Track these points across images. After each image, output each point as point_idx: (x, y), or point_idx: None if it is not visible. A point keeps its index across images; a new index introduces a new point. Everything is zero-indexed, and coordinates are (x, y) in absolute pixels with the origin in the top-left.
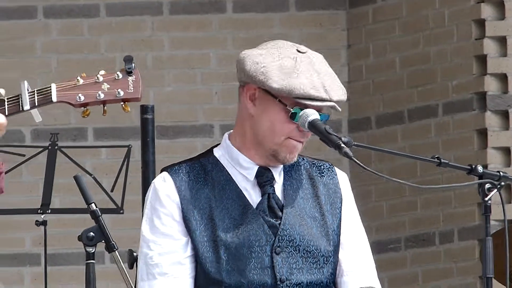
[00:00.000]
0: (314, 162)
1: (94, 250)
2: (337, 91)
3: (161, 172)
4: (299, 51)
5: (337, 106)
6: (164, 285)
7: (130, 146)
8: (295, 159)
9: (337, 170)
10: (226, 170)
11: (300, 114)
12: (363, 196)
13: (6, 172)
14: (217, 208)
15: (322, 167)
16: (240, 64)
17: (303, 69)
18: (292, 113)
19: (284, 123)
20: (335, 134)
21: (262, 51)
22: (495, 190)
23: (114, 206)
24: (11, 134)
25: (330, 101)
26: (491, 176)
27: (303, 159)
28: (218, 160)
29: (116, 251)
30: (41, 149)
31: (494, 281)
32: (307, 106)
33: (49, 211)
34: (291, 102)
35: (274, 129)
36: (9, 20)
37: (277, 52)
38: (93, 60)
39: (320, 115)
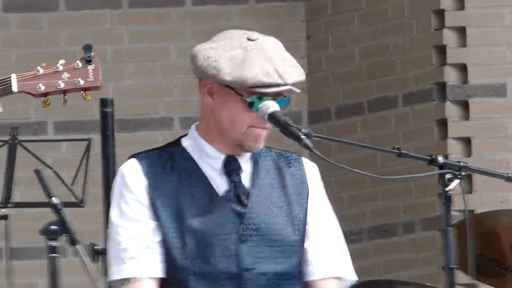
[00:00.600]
0: (282, 153)
1: (56, 243)
2: (292, 74)
3: (129, 159)
4: (249, 39)
5: (294, 89)
6: (133, 269)
7: (90, 140)
8: (261, 146)
9: (305, 160)
10: (193, 159)
11: (260, 106)
12: (324, 187)
13: None
14: (184, 195)
15: (289, 158)
16: (192, 60)
17: (254, 58)
18: (249, 102)
19: (243, 113)
20: (295, 126)
21: (214, 44)
22: (456, 180)
23: (75, 200)
24: None
25: (286, 85)
26: (452, 167)
27: (271, 151)
28: (185, 149)
29: (78, 245)
30: (1, 143)
31: (456, 271)
32: (263, 94)
33: (10, 205)
34: (247, 92)
35: (235, 120)
36: None
37: (228, 43)
38: (53, 54)
39: (280, 100)
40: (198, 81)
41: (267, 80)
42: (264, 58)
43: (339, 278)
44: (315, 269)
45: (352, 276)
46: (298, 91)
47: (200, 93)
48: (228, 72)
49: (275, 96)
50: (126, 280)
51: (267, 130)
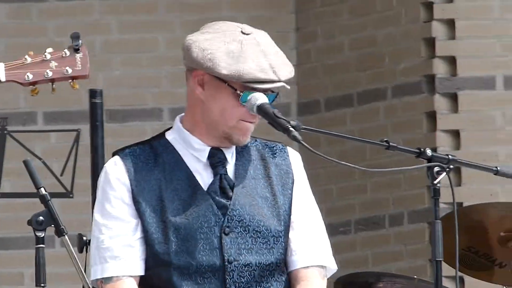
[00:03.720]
0: (267, 144)
1: (43, 234)
2: (285, 70)
3: (112, 156)
4: (243, 33)
5: (286, 86)
6: (115, 268)
7: (79, 130)
8: (248, 140)
9: (289, 150)
10: (177, 152)
11: (248, 98)
12: (312, 179)
13: None
14: (167, 189)
15: (274, 148)
16: (186, 50)
17: (250, 52)
18: (242, 96)
19: (234, 107)
20: (284, 118)
21: (208, 35)
22: (444, 173)
23: (63, 190)
24: None
25: (279, 81)
26: (440, 159)
27: (256, 141)
28: (169, 143)
29: (65, 235)
30: None
31: (443, 263)
32: (257, 90)
33: None
34: (240, 86)
35: (225, 113)
36: None
37: (223, 36)
38: (41, 44)
39: (270, 95)
40: (187, 71)
41: (262, 76)
42: (260, 53)
43: (321, 267)
44: (298, 258)
45: (333, 266)
46: (289, 87)
47: (188, 83)
48: (224, 66)
49: (264, 91)
50: (109, 279)
51: (254, 124)
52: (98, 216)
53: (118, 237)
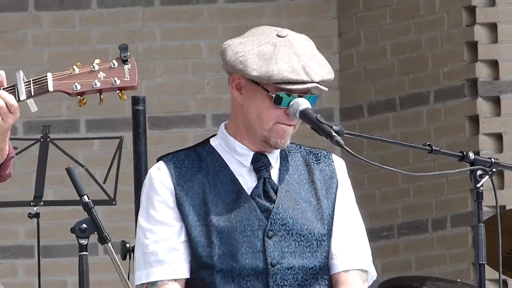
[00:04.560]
0: (311, 150)
1: (87, 242)
2: (319, 71)
3: (157, 161)
4: (279, 36)
5: (320, 86)
6: (160, 272)
7: (122, 137)
8: (287, 143)
9: (334, 156)
10: (221, 157)
11: (291, 103)
12: (355, 184)
13: None
14: (211, 193)
15: (319, 154)
16: (222, 55)
17: (282, 54)
18: (275, 98)
19: (269, 109)
20: (326, 123)
21: (243, 39)
22: (487, 176)
23: (106, 198)
24: None
25: (312, 82)
26: (483, 163)
27: (301, 147)
28: (214, 148)
29: (109, 243)
30: (33, 141)
31: (487, 267)
32: (290, 91)
33: (42, 203)
34: (273, 88)
35: (261, 116)
36: (1, 13)
37: (257, 39)
38: (85, 52)
39: (309, 97)
40: (229, 77)
41: (293, 76)
42: (293, 55)
43: (362, 271)
44: (339, 262)
45: (373, 272)
46: (326, 89)
47: (230, 88)
48: (255, 68)
49: (302, 93)
50: (153, 284)
51: (293, 127)
52: (143, 221)
53: (163, 241)
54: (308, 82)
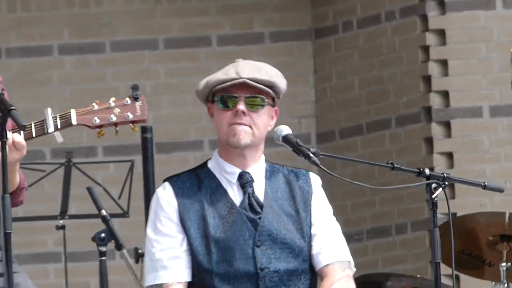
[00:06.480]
0: (292, 170)
1: (105, 249)
2: (252, 72)
3: (163, 182)
4: (235, 61)
5: (249, 82)
6: (165, 276)
7: (133, 161)
8: (245, 141)
9: (311, 174)
10: (216, 178)
11: (275, 130)
12: (330, 197)
13: (29, 186)
14: (208, 209)
15: (298, 173)
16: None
17: (225, 68)
18: (218, 100)
19: (220, 115)
20: (305, 146)
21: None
22: (440, 188)
23: (121, 211)
24: (34, 153)
25: (240, 78)
26: (437, 177)
27: (283, 167)
28: (210, 170)
29: (124, 249)
30: (59, 165)
31: (442, 265)
32: (225, 90)
33: (67, 217)
34: (217, 95)
35: (218, 123)
36: (29, 57)
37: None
38: (101, 89)
39: (252, 106)
40: None
41: (223, 77)
42: (232, 66)
43: (341, 262)
44: (322, 258)
45: (352, 260)
46: (258, 85)
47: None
48: (202, 84)
49: (241, 95)
50: (160, 285)
51: (250, 127)
52: (151, 232)
53: (167, 250)
54: (236, 79)
